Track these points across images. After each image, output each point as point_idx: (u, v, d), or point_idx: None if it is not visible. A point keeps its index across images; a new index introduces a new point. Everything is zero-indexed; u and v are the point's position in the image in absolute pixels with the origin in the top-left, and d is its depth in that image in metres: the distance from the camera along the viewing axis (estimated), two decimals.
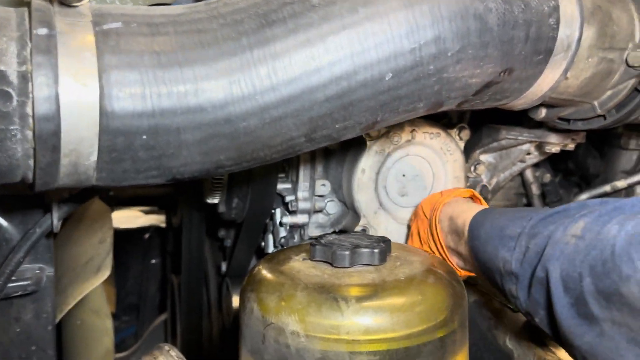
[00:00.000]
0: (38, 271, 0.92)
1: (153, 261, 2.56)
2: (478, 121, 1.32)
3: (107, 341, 1.60)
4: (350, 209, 1.25)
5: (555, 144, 1.15)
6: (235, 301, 1.48)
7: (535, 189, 1.40)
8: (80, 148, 0.60)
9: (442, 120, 1.30)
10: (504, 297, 0.80)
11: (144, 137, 0.63)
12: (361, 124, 0.73)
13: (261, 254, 1.50)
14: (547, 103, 0.95)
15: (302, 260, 0.80)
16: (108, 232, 1.19)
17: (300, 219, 1.25)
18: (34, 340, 0.97)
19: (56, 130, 0.58)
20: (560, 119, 1.02)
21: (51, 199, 0.84)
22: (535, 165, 1.42)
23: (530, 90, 0.82)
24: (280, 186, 1.27)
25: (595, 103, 0.93)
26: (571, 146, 1.20)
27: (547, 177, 1.44)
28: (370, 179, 1.20)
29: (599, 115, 0.96)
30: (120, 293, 2.50)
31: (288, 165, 1.29)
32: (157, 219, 2.66)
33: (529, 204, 1.45)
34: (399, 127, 1.20)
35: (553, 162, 1.54)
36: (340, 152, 1.26)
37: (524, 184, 1.42)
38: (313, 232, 1.28)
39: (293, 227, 1.27)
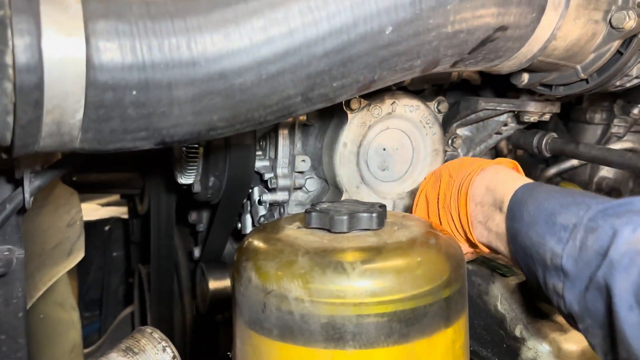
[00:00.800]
0: (7, 252, 0.85)
1: (115, 254, 2.47)
2: (454, 94, 1.32)
3: (74, 335, 1.53)
4: (331, 185, 1.22)
5: (533, 112, 1.16)
6: (213, 285, 1.44)
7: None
8: (65, 104, 0.55)
9: (420, 93, 1.29)
10: (538, 289, 0.72)
11: (134, 92, 0.58)
12: (358, 82, 0.70)
13: (238, 236, 1.46)
14: (530, 68, 0.95)
15: (296, 229, 0.77)
16: (77, 214, 1.12)
17: (280, 196, 1.21)
18: (4, 328, 0.90)
19: (39, 82, 0.53)
20: (542, 85, 1.03)
21: (22, 172, 0.78)
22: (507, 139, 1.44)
23: (521, 50, 0.81)
24: (258, 164, 1.23)
25: (578, 67, 0.94)
26: (547, 116, 1.22)
27: (520, 151, 1.45)
28: (352, 152, 1.18)
29: (581, 80, 0.96)
30: (81, 288, 2.40)
31: (265, 142, 1.26)
32: (117, 211, 2.56)
33: None
34: (379, 99, 1.18)
35: None
36: (320, 127, 1.23)
37: (497, 157, 1.43)
38: (293, 210, 1.25)
39: (273, 205, 1.24)
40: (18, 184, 0.83)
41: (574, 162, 1.62)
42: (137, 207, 1.83)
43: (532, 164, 1.72)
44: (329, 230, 0.74)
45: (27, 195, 0.78)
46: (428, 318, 0.66)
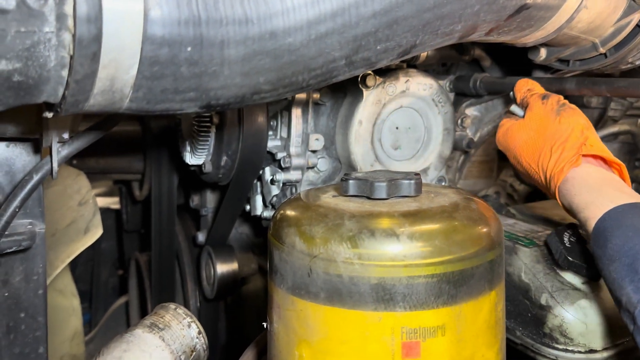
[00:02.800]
0: (30, 226, 0.82)
1: (104, 244, 2.42)
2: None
3: (75, 322, 1.50)
4: (344, 164, 1.22)
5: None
6: (220, 268, 1.42)
7: None
8: (121, 58, 0.54)
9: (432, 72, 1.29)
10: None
11: (189, 49, 0.57)
12: (401, 46, 0.70)
13: (248, 218, 1.44)
14: (549, 43, 0.96)
15: (332, 197, 0.77)
16: (88, 194, 1.10)
17: (293, 175, 1.21)
18: (23, 306, 0.88)
19: (98, 34, 0.52)
20: (559, 61, 1.04)
21: (50, 140, 0.75)
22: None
23: (551, 20, 0.83)
24: (270, 143, 1.22)
25: (597, 41, 0.96)
26: None
27: None
28: (367, 130, 1.18)
29: (599, 54, 0.98)
30: None
31: (276, 121, 1.25)
32: (105, 201, 2.51)
33: None
34: (394, 77, 1.18)
35: None
36: (332, 106, 1.23)
37: None
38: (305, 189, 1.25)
39: (285, 185, 1.23)
40: (40, 153, 0.81)
41: None
42: (135, 193, 1.79)
43: None
44: (367, 197, 0.74)
45: (55, 165, 0.76)
46: (475, 280, 0.67)
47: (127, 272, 2.13)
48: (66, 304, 1.49)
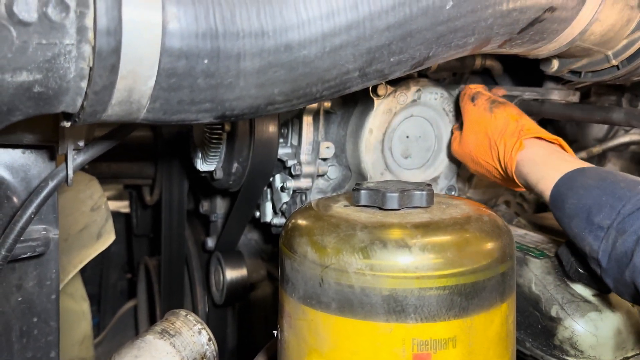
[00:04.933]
0: (44, 232, 0.83)
1: (113, 248, 2.43)
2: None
3: (85, 325, 1.51)
4: (354, 172, 1.22)
5: (557, 101, 1.18)
6: (230, 274, 1.43)
7: None
8: (140, 69, 0.55)
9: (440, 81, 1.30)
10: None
11: (206, 61, 0.58)
12: (414, 58, 0.71)
13: (257, 224, 1.45)
14: (561, 54, 0.96)
15: (344, 207, 0.77)
16: (100, 199, 1.11)
17: (303, 183, 1.21)
18: (36, 311, 0.89)
19: (117, 46, 0.52)
20: (571, 72, 1.04)
21: (66, 147, 0.76)
22: None
23: (564, 32, 0.83)
24: (280, 151, 1.23)
25: (610, 53, 0.96)
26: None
27: None
28: (378, 139, 1.18)
29: (612, 67, 0.98)
30: None
31: (287, 129, 1.25)
32: (115, 205, 2.53)
33: None
34: (405, 86, 1.19)
35: None
36: (342, 114, 1.23)
37: None
38: (315, 197, 1.25)
39: (295, 193, 1.23)
40: (55, 160, 0.82)
41: (583, 154, 1.64)
42: (146, 198, 1.81)
43: None
44: (379, 208, 0.74)
45: (70, 172, 0.77)
46: (486, 292, 0.67)
47: (135, 276, 2.15)
48: (76, 308, 1.50)
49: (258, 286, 1.58)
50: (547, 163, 0.91)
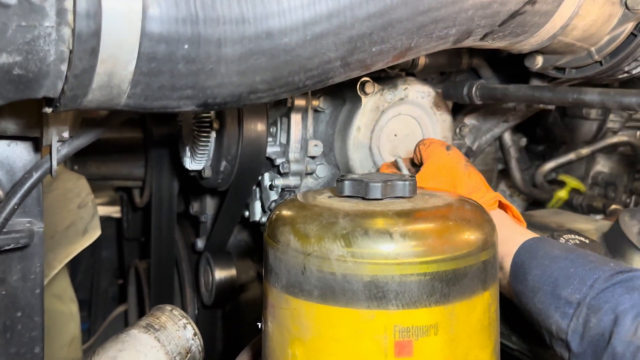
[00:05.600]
0: (28, 224, 0.83)
1: (104, 253, 2.43)
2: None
3: (73, 327, 1.50)
4: (343, 171, 1.23)
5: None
6: (219, 274, 1.42)
7: (513, 152, 1.44)
8: (119, 54, 0.55)
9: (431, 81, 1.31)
10: (546, 343, 0.75)
11: (186, 46, 0.58)
12: (396, 49, 0.71)
13: (247, 224, 1.45)
14: (545, 50, 0.97)
15: (328, 198, 0.77)
16: (87, 197, 1.11)
17: (292, 181, 1.22)
18: (20, 305, 0.88)
19: (97, 29, 0.53)
20: (555, 69, 1.05)
21: (50, 138, 0.77)
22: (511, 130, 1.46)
23: (545, 26, 0.84)
24: (269, 150, 1.24)
25: (593, 49, 0.97)
26: (551, 106, 1.24)
27: (524, 141, 1.48)
28: (365, 137, 1.19)
29: (595, 62, 0.99)
30: None
31: (275, 128, 1.26)
32: (106, 210, 2.52)
33: (507, 169, 1.49)
34: (392, 84, 1.20)
35: (520, 130, 1.59)
36: (331, 113, 1.24)
37: (502, 147, 1.46)
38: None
39: (284, 191, 1.24)
40: (40, 152, 0.82)
41: (572, 156, 1.65)
42: (136, 200, 1.80)
43: (530, 158, 1.76)
44: (362, 198, 0.74)
45: (54, 163, 0.77)
46: (468, 279, 0.67)
47: (127, 280, 2.14)
48: (64, 309, 1.49)
49: (247, 287, 1.57)
50: (508, 228, 0.86)
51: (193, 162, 1.26)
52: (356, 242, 0.65)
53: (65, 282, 1.47)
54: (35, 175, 0.77)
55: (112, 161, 1.64)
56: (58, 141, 0.77)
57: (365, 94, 1.16)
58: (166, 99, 0.62)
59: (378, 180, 0.74)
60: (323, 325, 0.67)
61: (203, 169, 1.25)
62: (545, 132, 1.69)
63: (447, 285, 0.65)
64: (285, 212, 0.74)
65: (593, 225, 1.12)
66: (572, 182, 1.66)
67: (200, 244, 1.55)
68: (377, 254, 0.64)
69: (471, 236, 0.68)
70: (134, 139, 1.63)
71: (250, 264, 1.52)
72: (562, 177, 1.67)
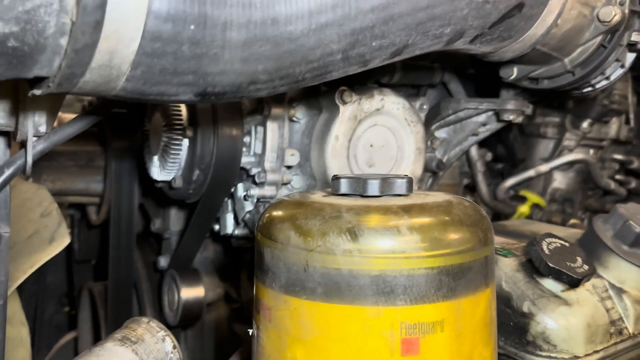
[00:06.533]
0: None
1: (49, 278, 2.28)
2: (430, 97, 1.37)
3: (23, 353, 1.38)
4: (320, 181, 1.21)
5: (513, 111, 1.22)
6: (185, 293, 1.35)
7: (480, 166, 1.48)
8: (124, 31, 0.52)
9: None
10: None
11: (192, 27, 0.56)
12: (394, 45, 0.71)
13: (213, 240, 1.40)
14: (522, 60, 1.01)
15: (323, 196, 0.75)
16: (51, 205, 1.03)
17: (268, 191, 1.19)
18: None
19: (103, 2, 0.49)
20: (528, 79, 1.09)
21: (26, 133, 0.71)
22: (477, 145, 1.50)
23: (528, 32, 0.86)
24: (243, 160, 1.20)
25: (566, 60, 1.01)
26: (520, 119, 1.28)
27: (489, 156, 1.52)
28: (343, 146, 1.18)
29: (567, 72, 1.03)
30: None
31: (250, 138, 1.23)
32: None
33: (473, 183, 1.52)
34: (369, 94, 1.20)
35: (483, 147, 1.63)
36: (307, 123, 1.23)
37: (469, 161, 1.49)
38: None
39: (259, 201, 1.20)
40: (9, 149, 0.76)
41: (531, 173, 1.71)
42: (91, 218, 1.71)
43: (491, 175, 1.81)
44: (360, 195, 0.73)
45: (29, 160, 0.71)
46: (472, 274, 0.66)
47: (74, 308, 2.01)
48: (14, 334, 1.37)
49: (212, 308, 1.51)
50: None
51: (162, 172, 1.21)
52: (363, 236, 0.63)
53: (16, 304, 1.36)
54: (7, 173, 0.71)
55: (68, 175, 1.56)
56: (34, 136, 0.72)
57: (344, 102, 1.16)
58: (166, 84, 0.59)
59: (376, 178, 0.73)
60: (327, 324, 0.64)
61: (173, 179, 1.21)
62: (507, 149, 1.74)
63: (453, 279, 0.64)
64: (283, 210, 0.71)
65: (565, 233, 1.15)
66: (533, 197, 1.71)
67: (163, 262, 1.48)
68: (384, 248, 0.63)
69: (474, 231, 0.68)
70: (92, 152, 1.56)
71: (217, 281, 1.47)
72: (523, 193, 1.72)
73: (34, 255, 0.90)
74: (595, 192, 1.92)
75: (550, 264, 0.90)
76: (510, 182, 1.71)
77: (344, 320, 0.63)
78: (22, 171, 0.73)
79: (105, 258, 1.62)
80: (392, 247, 0.63)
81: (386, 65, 0.76)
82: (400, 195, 0.74)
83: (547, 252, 0.92)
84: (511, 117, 1.23)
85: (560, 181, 1.81)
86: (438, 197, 0.74)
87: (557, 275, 0.90)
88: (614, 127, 1.86)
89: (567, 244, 0.98)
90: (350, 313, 0.63)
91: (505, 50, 0.90)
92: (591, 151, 1.80)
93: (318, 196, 0.75)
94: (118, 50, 0.53)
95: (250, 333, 0.75)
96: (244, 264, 1.50)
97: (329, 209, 0.67)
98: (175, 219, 1.50)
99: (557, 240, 0.96)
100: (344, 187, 0.74)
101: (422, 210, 0.66)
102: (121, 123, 1.48)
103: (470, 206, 0.72)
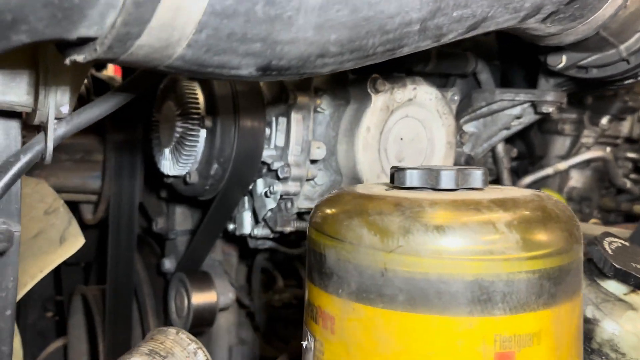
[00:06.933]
0: (4, 225, 0.65)
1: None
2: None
3: None
4: (347, 176, 1.12)
5: (552, 102, 1.15)
6: (197, 298, 1.25)
7: (506, 163, 1.40)
8: None
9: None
10: None
11: None
12: (474, 17, 0.63)
13: (231, 239, 1.29)
14: (574, 47, 0.94)
15: (386, 190, 0.66)
16: (55, 201, 0.92)
17: (292, 187, 1.09)
18: None
19: None
20: (577, 67, 1.02)
21: (47, 113, 0.60)
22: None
23: (598, 13, 0.79)
24: (265, 153, 1.11)
25: (622, 47, 0.94)
26: (553, 110, 1.21)
27: (514, 152, 1.45)
28: (375, 138, 1.09)
29: (621, 61, 0.96)
30: None
31: (270, 130, 1.13)
32: None
33: (498, 180, 1.45)
34: (401, 83, 1.12)
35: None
36: (332, 114, 1.14)
37: (494, 158, 1.42)
38: (302, 204, 1.13)
39: (282, 198, 1.11)
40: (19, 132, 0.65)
41: (549, 171, 1.65)
42: (85, 217, 1.58)
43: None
44: (432, 189, 0.64)
45: (50, 145, 0.61)
46: (570, 277, 0.58)
47: (59, 313, 1.87)
48: None
49: (221, 314, 1.41)
50: None
51: (175, 166, 1.11)
52: (454, 235, 0.54)
53: None
54: (23, 160, 0.60)
55: (63, 170, 1.43)
56: (55, 118, 0.61)
57: (377, 91, 1.07)
58: (230, 53, 0.49)
59: (448, 169, 0.64)
60: (410, 337, 0.55)
61: (188, 173, 1.10)
62: (527, 146, 1.68)
63: (554, 284, 0.56)
64: (347, 204, 0.62)
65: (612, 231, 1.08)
66: (555, 195, 1.65)
67: (168, 264, 1.37)
68: (480, 249, 0.54)
69: (570, 229, 0.60)
70: (88, 144, 1.44)
71: (228, 285, 1.36)
72: (544, 190, 1.66)
73: (42, 258, 0.79)
74: (609, 191, 1.87)
75: (617, 265, 0.83)
76: (529, 179, 1.64)
77: (431, 332, 0.54)
78: (40, 159, 0.62)
79: (99, 260, 1.50)
80: (489, 247, 0.54)
81: (421, 51, 0.68)
82: (476, 189, 0.65)
83: (610, 252, 0.85)
84: (550, 109, 1.16)
85: (577, 179, 1.75)
86: (517, 192, 0.66)
87: (624, 277, 0.83)
88: (626, 125, 1.82)
89: (627, 244, 0.91)
90: (439, 324, 0.54)
91: (569, 32, 0.82)
92: (607, 149, 1.75)
93: (380, 189, 0.66)
94: (184, 6, 0.43)
95: (304, 346, 0.65)
96: (255, 266, 1.40)
97: (408, 203, 0.58)
98: (181, 217, 1.39)
99: (617, 239, 0.89)
100: (411, 179, 0.64)
101: (516, 205, 0.58)
102: (122, 112, 1.37)
103: (558, 201, 0.64)
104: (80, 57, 0.45)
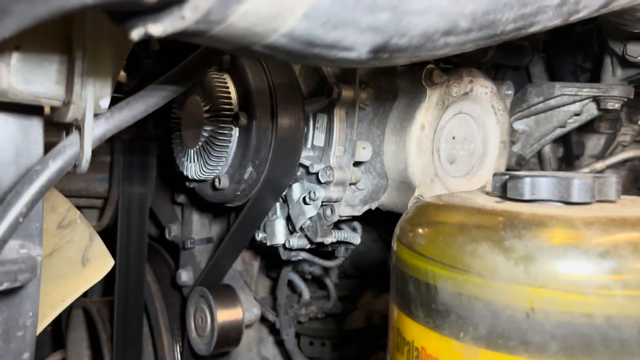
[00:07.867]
0: (24, 250, 0.51)
1: None
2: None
3: None
4: (394, 180, 0.99)
5: (619, 98, 1.04)
6: (223, 316, 1.11)
7: (553, 163, 1.30)
8: None
9: None
10: None
11: None
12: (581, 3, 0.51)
13: (258, 249, 1.16)
14: None
15: (500, 202, 0.54)
16: (70, 212, 0.78)
17: (335, 192, 0.96)
18: None
19: None
20: None
21: (83, 108, 0.47)
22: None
23: None
24: (302, 154, 0.98)
25: None
26: (619, 106, 1.11)
27: (560, 152, 1.34)
28: (429, 138, 0.96)
29: None
30: None
31: (307, 128, 1.00)
32: None
33: None
34: (458, 75, 0.99)
35: None
36: (375, 110, 1.01)
37: (540, 158, 1.31)
38: (344, 211, 1.00)
39: (323, 205, 0.98)
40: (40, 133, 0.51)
41: (586, 170, 1.55)
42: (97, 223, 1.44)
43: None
44: (562, 202, 0.52)
45: (87, 148, 0.47)
46: None
47: (54, 325, 1.72)
48: None
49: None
50: None
51: (203, 169, 0.97)
52: (626, 264, 0.42)
53: None
54: (54, 167, 0.47)
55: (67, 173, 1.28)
56: (95, 114, 0.48)
57: (433, 84, 0.94)
58: (350, 26, 0.37)
59: (578, 177, 0.52)
60: None
61: (217, 177, 0.97)
62: (565, 145, 1.57)
63: None
64: (458, 221, 0.49)
65: None
66: None
67: (185, 276, 1.23)
68: None
69: None
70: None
71: (253, 300, 1.23)
72: None
73: (62, 284, 0.65)
74: None
75: None
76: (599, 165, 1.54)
77: None
78: (73, 165, 0.49)
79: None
80: None
81: None
82: (610, 201, 0.53)
83: None
84: (617, 106, 1.05)
85: None
86: None
87: None
88: None
89: None
90: None
91: None
92: None
93: (489, 201, 0.54)
94: None
95: None
96: (281, 278, 1.27)
97: (553, 222, 0.45)
98: (198, 225, 1.26)
99: None
100: (535, 189, 0.52)
101: None
102: None
103: None
104: (157, 29, 0.32)
